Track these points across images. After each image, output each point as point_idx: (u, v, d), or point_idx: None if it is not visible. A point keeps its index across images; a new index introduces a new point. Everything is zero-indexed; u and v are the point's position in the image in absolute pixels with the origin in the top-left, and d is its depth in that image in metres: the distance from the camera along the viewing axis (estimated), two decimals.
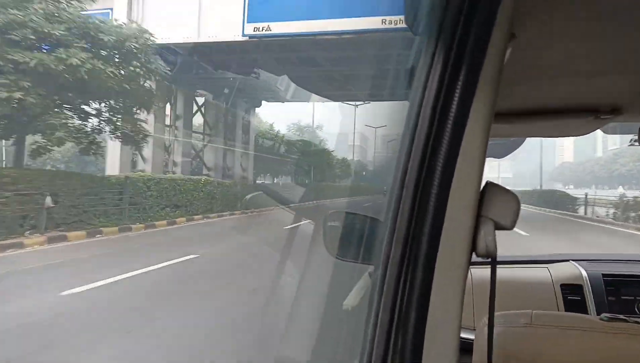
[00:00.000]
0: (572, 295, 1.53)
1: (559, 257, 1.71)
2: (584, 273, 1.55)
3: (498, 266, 1.66)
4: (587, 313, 1.48)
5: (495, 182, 0.68)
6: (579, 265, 1.61)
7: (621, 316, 0.69)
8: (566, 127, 1.47)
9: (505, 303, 1.55)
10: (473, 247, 0.60)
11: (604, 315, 0.69)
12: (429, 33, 0.63)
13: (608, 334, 0.65)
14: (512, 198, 0.64)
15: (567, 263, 1.65)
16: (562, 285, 1.55)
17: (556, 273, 1.60)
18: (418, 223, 0.60)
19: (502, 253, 0.69)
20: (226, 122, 22.18)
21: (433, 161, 0.61)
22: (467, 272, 0.60)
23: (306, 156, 29.90)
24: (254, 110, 26.70)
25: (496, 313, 0.70)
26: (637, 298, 1.47)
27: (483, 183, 0.64)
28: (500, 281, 1.64)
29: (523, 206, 0.71)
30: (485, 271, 1.64)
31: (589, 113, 1.37)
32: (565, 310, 1.51)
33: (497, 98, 0.61)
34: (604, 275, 1.53)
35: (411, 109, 0.63)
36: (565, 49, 0.96)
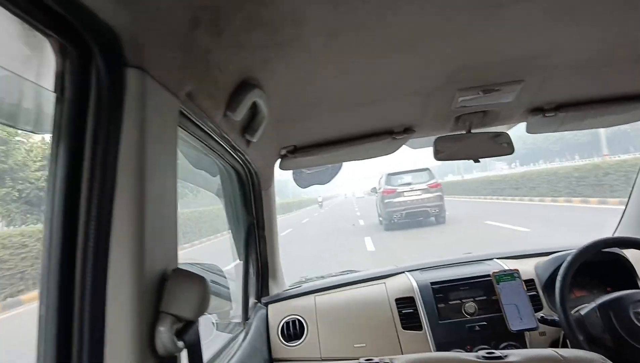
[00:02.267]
0: (405, 308, 1.59)
1: (395, 270, 1.78)
2: (415, 284, 1.63)
3: (338, 289, 1.70)
4: (421, 324, 1.55)
5: (183, 267, 0.64)
6: (411, 275, 1.70)
7: (374, 360, 0.73)
8: (370, 149, 1.57)
9: (346, 326, 1.59)
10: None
11: (360, 360, 0.72)
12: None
13: None
14: (196, 286, 0.61)
15: (402, 275, 1.73)
16: (396, 300, 1.61)
17: (391, 288, 1.66)
18: (79, 319, 0.54)
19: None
20: None
21: (83, 256, 0.54)
22: None
23: None
24: None
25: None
26: (463, 301, 1.58)
27: None
28: (342, 304, 1.65)
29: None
30: (331, 297, 1.68)
31: (385, 135, 1.50)
32: (402, 324, 1.56)
33: (144, 183, 0.58)
34: (432, 283, 1.62)
35: (49, 184, 0.56)
36: (331, 84, 1.10)
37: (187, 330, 0.61)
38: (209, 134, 0.98)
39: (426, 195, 12.04)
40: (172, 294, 0.59)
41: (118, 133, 0.56)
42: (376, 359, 0.72)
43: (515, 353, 0.75)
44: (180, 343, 0.60)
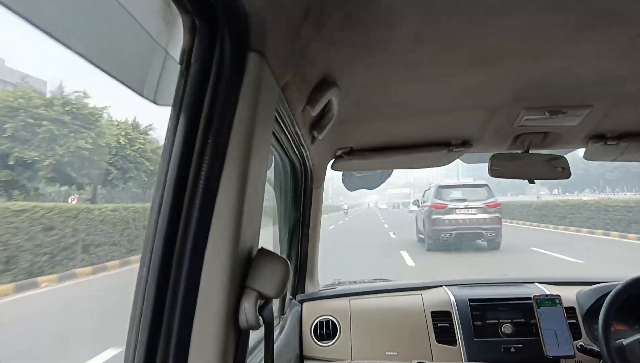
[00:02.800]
0: (441, 322, 1.58)
1: (433, 283, 1.77)
2: (452, 299, 1.62)
3: (374, 295, 1.69)
4: (456, 339, 1.54)
5: (268, 249, 0.67)
6: (449, 290, 1.69)
7: None
8: (424, 159, 1.57)
9: (379, 332, 1.59)
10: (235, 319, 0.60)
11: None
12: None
13: None
14: (279, 267, 0.63)
15: (439, 289, 1.72)
16: (432, 312, 1.60)
17: (428, 300, 1.65)
18: (172, 288, 0.56)
19: None
20: None
21: (185, 226, 0.57)
22: (232, 344, 0.59)
23: None
24: None
25: None
26: (500, 321, 1.56)
27: None
28: (377, 310, 1.65)
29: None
30: (367, 302, 1.68)
31: (442, 146, 1.49)
32: (436, 337, 1.55)
33: (249, 161, 0.61)
34: (470, 300, 1.61)
35: (161, 168, 0.60)
36: (402, 91, 1.10)
37: (265, 307, 0.63)
38: (285, 127, 1.01)
39: (482, 215, 10.31)
40: (257, 271, 0.62)
41: (233, 112, 0.58)
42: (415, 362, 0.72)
43: None
44: (260, 319, 0.61)
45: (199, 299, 0.56)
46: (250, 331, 0.63)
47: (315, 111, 0.98)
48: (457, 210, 10.50)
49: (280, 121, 0.95)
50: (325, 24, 0.78)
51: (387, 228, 19.03)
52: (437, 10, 0.76)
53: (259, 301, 0.61)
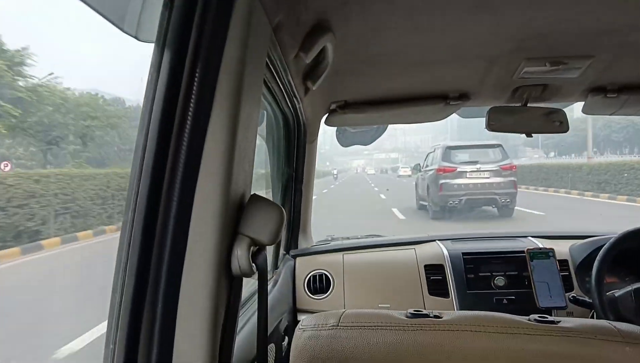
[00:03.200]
0: (434, 275, 1.60)
1: (426, 238, 1.79)
2: (445, 253, 1.64)
3: (367, 250, 1.70)
4: (449, 292, 1.57)
5: (260, 194, 0.65)
6: (443, 244, 1.70)
7: (423, 311, 0.70)
8: (421, 113, 1.54)
9: (373, 286, 1.62)
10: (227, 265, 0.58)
11: (408, 311, 0.70)
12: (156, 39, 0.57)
13: (410, 331, 0.67)
14: (273, 213, 0.61)
15: (432, 243, 1.74)
16: (425, 266, 1.62)
17: (421, 254, 1.67)
18: (160, 232, 0.54)
19: None
20: None
21: (172, 169, 0.55)
22: (224, 291, 0.58)
23: None
24: None
25: (310, 316, 0.71)
26: (493, 274, 1.59)
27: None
28: (370, 264, 1.67)
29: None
30: (360, 257, 1.70)
31: (439, 99, 1.46)
32: (429, 290, 1.58)
33: (240, 104, 0.58)
34: (463, 254, 1.63)
35: (145, 108, 0.56)
36: (400, 40, 1.07)
37: (258, 254, 0.62)
38: (277, 75, 0.97)
39: (496, 179, 9.30)
40: (250, 217, 0.60)
41: (221, 50, 0.54)
42: (425, 310, 0.73)
43: (568, 320, 0.74)
44: (253, 266, 0.61)
45: (189, 245, 0.54)
46: (244, 282, 0.62)
47: (309, 58, 0.93)
48: (467, 174, 9.44)
49: (272, 67, 0.91)
50: None
51: (377, 191, 19.32)
52: None
53: (252, 248, 0.60)
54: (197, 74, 0.54)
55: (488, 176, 9.35)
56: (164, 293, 0.54)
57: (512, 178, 9.37)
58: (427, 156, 11.10)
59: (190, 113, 0.54)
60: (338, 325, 0.67)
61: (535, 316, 0.81)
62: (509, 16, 0.97)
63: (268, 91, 1.08)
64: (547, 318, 0.78)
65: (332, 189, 22.85)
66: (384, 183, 24.23)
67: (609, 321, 0.75)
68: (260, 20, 0.61)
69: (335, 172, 37.81)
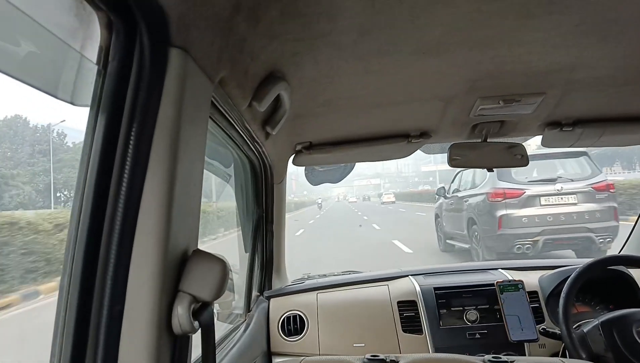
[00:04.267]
0: (407, 311, 1.59)
1: (399, 273, 1.79)
2: (418, 288, 1.64)
3: (341, 288, 1.70)
4: (422, 328, 1.56)
5: (202, 249, 0.65)
6: (415, 279, 1.70)
7: (380, 356, 0.71)
8: (385, 151, 1.59)
9: (347, 325, 1.60)
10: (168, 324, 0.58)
11: (365, 357, 0.71)
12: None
13: None
14: (215, 268, 0.61)
15: (405, 279, 1.73)
16: (398, 302, 1.61)
17: (394, 290, 1.67)
18: (98, 294, 0.54)
19: None
20: None
21: (109, 230, 0.55)
22: (167, 350, 0.58)
23: None
24: None
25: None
26: (465, 308, 1.58)
27: None
28: (344, 303, 1.66)
29: None
30: (334, 295, 1.69)
31: (401, 138, 1.51)
32: (402, 326, 1.57)
33: (176, 161, 0.59)
34: (435, 289, 1.62)
35: (80, 171, 0.57)
36: (354, 83, 1.12)
37: (203, 311, 0.62)
38: (232, 124, 0.99)
39: (588, 205, 5.87)
40: (191, 274, 0.60)
41: (156, 111, 0.56)
42: (382, 356, 0.72)
43: (521, 360, 0.75)
44: (196, 324, 0.60)
45: (127, 306, 0.54)
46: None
47: (262, 107, 0.96)
48: (542, 199, 6.01)
49: (227, 116, 0.93)
50: (262, 18, 0.77)
51: (367, 219, 18.90)
52: (377, 0, 0.76)
53: (193, 305, 0.60)
54: (131, 137, 0.55)
55: (575, 201, 5.93)
56: (102, 357, 0.53)
57: (611, 203, 5.89)
58: (457, 175, 7.85)
59: (125, 174, 0.55)
60: None
61: (490, 357, 0.81)
62: (457, 59, 1.02)
63: (228, 137, 1.10)
64: (500, 358, 0.79)
65: (318, 219, 22.60)
66: (368, 211, 24.11)
67: (561, 358, 0.76)
68: (196, 79, 0.64)
69: (319, 201, 38.31)
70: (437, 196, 8.70)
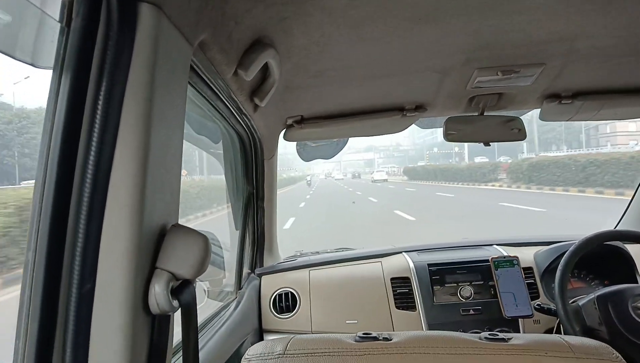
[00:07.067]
0: (401, 288, 1.58)
1: (392, 250, 1.76)
2: (411, 265, 1.62)
3: (333, 265, 1.68)
4: (415, 305, 1.55)
5: (182, 224, 0.61)
6: (409, 256, 1.68)
7: (373, 334, 0.67)
8: (379, 125, 1.54)
9: (339, 302, 1.59)
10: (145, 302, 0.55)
11: (357, 334, 0.68)
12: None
13: (358, 356, 0.64)
14: (196, 244, 0.58)
15: (399, 255, 1.71)
16: (392, 279, 1.60)
17: (387, 267, 1.65)
18: (67, 273, 0.51)
19: None
20: None
21: (77, 205, 0.51)
22: (144, 330, 0.55)
23: None
24: None
25: (258, 344, 0.67)
26: (459, 284, 1.57)
27: None
28: (337, 280, 1.64)
29: None
30: (326, 272, 1.67)
31: (395, 112, 1.46)
32: (395, 303, 1.56)
33: (149, 131, 0.54)
34: (429, 265, 1.61)
35: (43, 139, 0.53)
36: (347, 52, 1.07)
37: (182, 289, 0.58)
38: (217, 93, 0.94)
39: None
40: (169, 250, 0.56)
41: (126, 73, 0.51)
42: (374, 333, 0.70)
43: (519, 337, 0.73)
44: (175, 303, 0.57)
45: (98, 284, 0.50)
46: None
47: (249, 76, 0.91)
48: None
49: (210, 85, 0.88)
50: None
51: (360, 194, 18.84)
52: None
53: (172, 283, 0.57)
54: (99, 101, 0.50)
55: None
56: (72, 342, 0.50)
57: None
58: None
59: (93, 143, 0.50)
60: (284, 354, 0.64)
61: (486, 334, 0.79)
62: (454, 27, 0.96)
63: (214, 108, 1.05)
64: (497, 335, 0.76)
65: (308, 200, 21.90)
66: (361, 187, 23.97)
67: (560, 335, 0.74)
68: (172, 40, 0.59)
69: (309, 178, 38.34)
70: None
